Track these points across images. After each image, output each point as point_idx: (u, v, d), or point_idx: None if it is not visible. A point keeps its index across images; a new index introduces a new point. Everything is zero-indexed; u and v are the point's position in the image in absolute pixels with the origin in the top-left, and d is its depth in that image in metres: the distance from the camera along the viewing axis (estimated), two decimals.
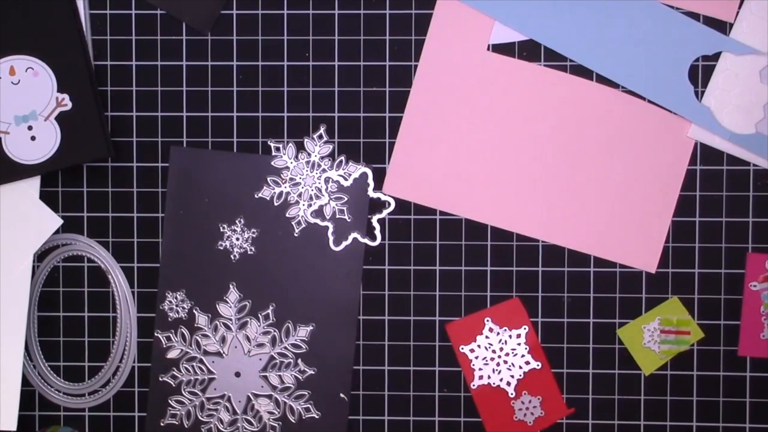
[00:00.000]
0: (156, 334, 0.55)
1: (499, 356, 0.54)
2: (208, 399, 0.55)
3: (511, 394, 0.54)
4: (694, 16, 0.53)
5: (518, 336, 0.54)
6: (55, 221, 0.54)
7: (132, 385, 0.56)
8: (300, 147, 0.54)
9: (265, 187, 0.54)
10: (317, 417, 0.55)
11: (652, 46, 0.53)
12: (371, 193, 0.54)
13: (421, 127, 0.54)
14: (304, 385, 0.55)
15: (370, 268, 0.55)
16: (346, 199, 0.54)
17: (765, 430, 0.55)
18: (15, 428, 0.54)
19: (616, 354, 0.55)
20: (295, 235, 0.54)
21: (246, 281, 0.55)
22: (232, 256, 0.55)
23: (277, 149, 0.54)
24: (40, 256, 0.55)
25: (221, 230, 0.55)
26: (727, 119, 0.53)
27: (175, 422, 0.56)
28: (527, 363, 0.54)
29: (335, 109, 0.54)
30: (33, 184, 0.54)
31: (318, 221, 0.54)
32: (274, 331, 0.55)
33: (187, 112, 0.55)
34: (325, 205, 0.54)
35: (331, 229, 0.54)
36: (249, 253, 0.55)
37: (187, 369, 0.55)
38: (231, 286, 0.55)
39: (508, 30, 0.53)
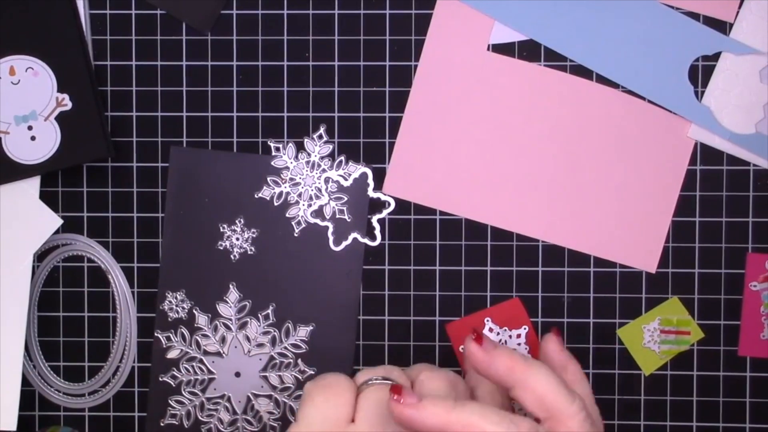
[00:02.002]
0: (156, 334, 0.55)
1: None
2: (208, 399, 0.55)
3: None
4: (694, 16, 0.53)
5: (518, 336, 0.54)
6: (55, 221, 0.54)
7: (132, 385, 0.56)
8: (300, 147, 0.55)
9: (265, 187, 0.54)
10: None
11: (652, 46, 0.53)
12: (371, 193, 0.54)
13: (421, 127, 0.54)
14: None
15: (370, 268, 0.55)
16: (346, 199, 0.54)
17: (765, 430, 0.55)
18: (15, 428, 0.54)
19: (616, 354, 0.55)
20: (295, 235, 0.54)
21: (246, 281, 0.55)
22: (232, 256, 0.55)
23: (277, 149, 0.54)
24: (40, 256, 0.55)
25: (221, 230, 0.55)
26: (727, 119, 0.53)
27: (175, 422, 0.56)
28: None
29: (335, 109, 0.54)
30: (33, 184, 0.54)
31: (318, 221, 0.54)
32: (274, 331, 0.55)
33: (187, 112, 0.55)
34: (325, 205, 0.54)
35: (331, 229, 0.54)
36: (249, 253, 0.55)
37: (187, 369, 0.55)
38: (231, 286, 0.55)
39: (508, 30, 0.53)
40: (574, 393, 0.43)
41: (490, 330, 0.54)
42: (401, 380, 0.45)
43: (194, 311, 0.55)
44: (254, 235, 0.55)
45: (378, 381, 0.45)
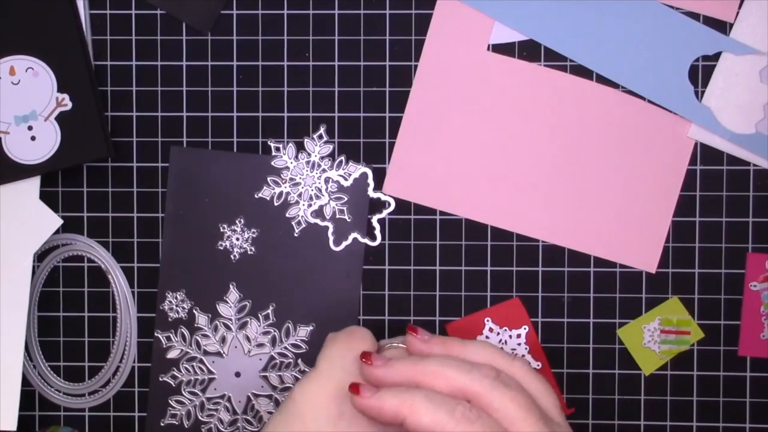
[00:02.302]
0: (156, 334, 0.55)
1: None
2: (208, 399, 0.55)
3: None
4: (694, 16, 0.53)
5: (518, 336, 0.54)
6: (55, 221, 0.54)
7: (132, 385, 0.56)
8: (300, 147, 0.55)
9: (265, 187, 0.54)
10: None
11: (652, 46, 0.53)
12: (371, 193, 0.54)
13: (421, 127, 0.54)
14: None
15: (370, 268, 0.55)
16: (346, 199, 0.54)
17: (765, 430, 0.55)
18: (15, 428, 0.54)
19: (616, 354, 0.55)
20: (295, 235, 0.54)
21: (246, 281, 0.55)
22: (232, 256, 0.55)
23: (277, 149, 0.54)
24: (40, 256, 0.55)
25: (221, 230, 0.55)
26: (727, 119, 0.53)
27: (175, 422, 0.56)
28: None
29: (335, 109, 0.54)
30: (33, 184, 0.54)
31: (318, 221, 0.54)
32: (274, 331, 0.55)
33: (187, 112, 0.55)
34: (325, 205, 0.54)
35: (331, 229, 0.54)
36: (249, 253, 0.55)
37: (187, 369, 0.55)
38: (231, 286, 0.55)
39: (508, 30, 0.53)
40: (472, 365, 0.45)
41: (491, 330, 0.54)
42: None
43: (194, 311, 0.55)
44: (254, 235, 0.55)
45: (398, 345, 0.49)
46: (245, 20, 0.54)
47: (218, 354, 0.55)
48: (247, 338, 0.55)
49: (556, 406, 0.46)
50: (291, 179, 0.54)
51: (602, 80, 0.53)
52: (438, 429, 0.42)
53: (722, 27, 0.53)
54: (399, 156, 0.54)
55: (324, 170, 0.54)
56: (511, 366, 0.46)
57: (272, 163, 0.54)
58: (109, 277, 0.55)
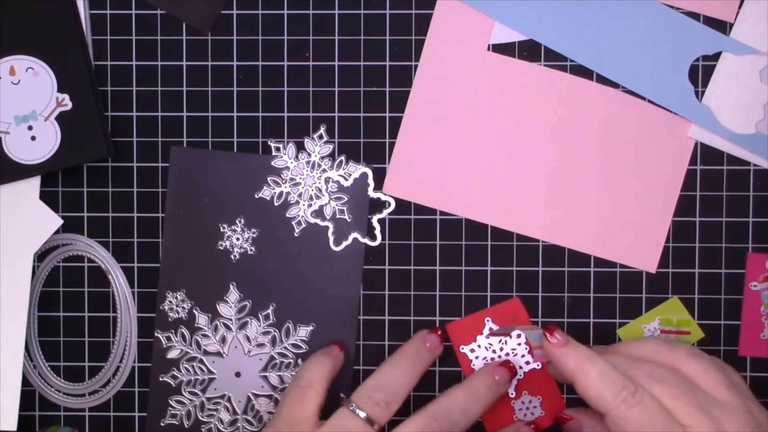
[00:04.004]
0: (156, 334, 0.55)
1: (500, 356, 0.54)
2: (208, 399, 0.55)
3: (512, 394, 0.54)
4: (694, 16, 0.53)
5: (518, 336, 0.54)
6: (55, 221, 0.54)
7: (132, 385, 0.56)
8: (300, 147, 0.55)
9: (265, 187, 0.54)
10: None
11: (652, 46, 0.53)
12: (371, 193, 0.54)
13: (421, 127, 0.54)
14: None
15: (370, 268, 0.55)
16: (346, 199, 0.54)
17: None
18: (15, 428, 0.54)
19: None
20: (295, 235, 0.54)
21: (246, 281, 0.55)
22: (232, 256, 0.55)
23: (277, 149, 0.54)
24: (40, 256, 0.55)
25: (221, 230, 0.55)
26: (727, 119, 0.53)
27: (175, 422, 0.56)
28: (527, 363, 0.54)
29: (335, 109, 0.54)
30: (33, 184, 0.54)
31: (318, 221, 0.54)
32: (274, 331, 0.55)
33: (187, 112, 0.55)
34: (325, 205, 0.54)
35: (331, 229, 0.54)
36: (249, 253, 0.55)
37: (187, 369, 0.55)
38: (231, 286, 0.55)
39: (508, 30, 0.53)
40: (621, 379, 0.47)
41: (490, 330, 0.54)
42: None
43: (194, 311, 0.55)
44: (254, 235, 0.55)
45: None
46: (245, 20, 0.54)
47: (218, 354, 0.55)
48: (247, 338, 0.55)
49: (722, 383, 0.47)
50: (291, 179, 0.54)
51: (602, 80, 0.53)
52: (600, 403, 0.47)
53: (722, 27, 0.53)
54: (399, 156, 0.54)
55: (324, 170, 0.54)
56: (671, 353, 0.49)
57: (272, 163, 0.54)
58: (109, 277, 0.55)
